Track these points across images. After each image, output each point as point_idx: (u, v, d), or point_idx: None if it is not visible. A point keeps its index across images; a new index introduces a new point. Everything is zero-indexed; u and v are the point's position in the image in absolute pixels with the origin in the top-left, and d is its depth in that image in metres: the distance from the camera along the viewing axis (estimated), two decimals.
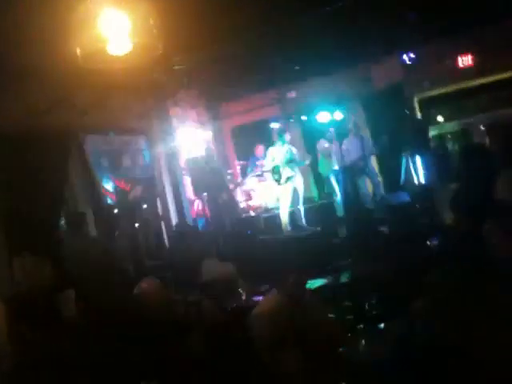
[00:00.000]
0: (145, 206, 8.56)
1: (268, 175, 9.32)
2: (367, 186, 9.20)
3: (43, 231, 6.01)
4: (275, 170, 8.45)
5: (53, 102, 6.64)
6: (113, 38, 2.82)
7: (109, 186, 7.61)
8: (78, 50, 2.86)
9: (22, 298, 4.27)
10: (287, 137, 8.51)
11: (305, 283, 3.62)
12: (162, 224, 8.88)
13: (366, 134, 9.66)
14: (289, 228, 8.39)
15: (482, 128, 8.40)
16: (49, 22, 4.02)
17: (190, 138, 9.82)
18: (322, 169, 9.57)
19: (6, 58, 5.13)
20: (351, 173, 9.14)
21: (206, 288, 4.49)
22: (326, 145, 9.49)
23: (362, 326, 2.85)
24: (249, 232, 7.76)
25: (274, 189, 9.26)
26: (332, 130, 9.55)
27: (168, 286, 3.75)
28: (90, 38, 2.78)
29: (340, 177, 9.45)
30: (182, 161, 9.46)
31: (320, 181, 10.40)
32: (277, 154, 8.43)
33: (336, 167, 9.47)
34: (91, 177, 7.21)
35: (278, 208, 9.24)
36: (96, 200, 7.18)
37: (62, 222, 6.42)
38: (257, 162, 10.06)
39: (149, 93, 8.48)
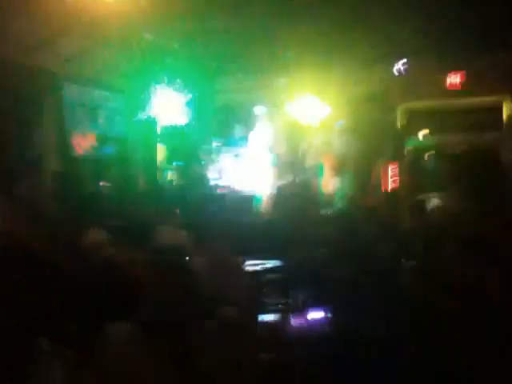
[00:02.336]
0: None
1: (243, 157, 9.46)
2: None
3: None
4: None
5: (39, 42, 6.49)
6: None
7: (80, 137, 7.53)
8: None
9: None
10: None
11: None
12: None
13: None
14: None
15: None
16: None
17: (171, 106, 9.74)
18: None
19: None
20: None
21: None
22: None
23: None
24: (212, 208, 7.75)
25: (246, 171, 9.36)
26: None
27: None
28: None
29: None
30: (159, 127, 9.41)
31: None
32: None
33: None
34: (62, 125, 7.12)
35: (248, 191, 9.34)
36: (63, 148, 7.09)
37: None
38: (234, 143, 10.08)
39: (136, 52, 8.38)
